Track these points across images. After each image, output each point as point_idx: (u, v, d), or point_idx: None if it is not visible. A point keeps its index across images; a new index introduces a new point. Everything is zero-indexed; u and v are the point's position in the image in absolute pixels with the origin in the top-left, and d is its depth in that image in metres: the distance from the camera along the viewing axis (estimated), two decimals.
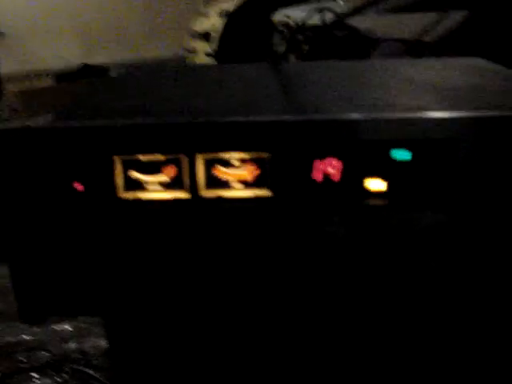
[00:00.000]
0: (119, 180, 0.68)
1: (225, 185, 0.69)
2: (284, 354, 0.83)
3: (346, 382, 0.85)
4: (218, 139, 0.67)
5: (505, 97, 0.76)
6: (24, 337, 1.85)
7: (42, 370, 1.74)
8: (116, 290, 0.71)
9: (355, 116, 0.66)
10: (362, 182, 0.68)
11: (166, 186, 0.69)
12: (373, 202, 0.68)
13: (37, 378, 1.71)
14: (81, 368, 1.75)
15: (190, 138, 0.67)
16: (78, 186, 0.67)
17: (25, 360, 1.78)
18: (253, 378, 0.86)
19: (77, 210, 0.68)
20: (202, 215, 0.69)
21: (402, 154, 0.67)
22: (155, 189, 0.69)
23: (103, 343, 1.80)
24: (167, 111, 0.74)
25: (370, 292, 0.71)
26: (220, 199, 0.69)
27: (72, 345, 1.81)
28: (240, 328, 0.81)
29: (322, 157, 0.67)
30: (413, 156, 0.67)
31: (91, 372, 1.74)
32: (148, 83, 0.96)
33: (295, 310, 0.73)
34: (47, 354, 1.78)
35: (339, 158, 0.67)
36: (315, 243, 0.68)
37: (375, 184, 0.68)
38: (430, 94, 0.78)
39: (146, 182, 0.69)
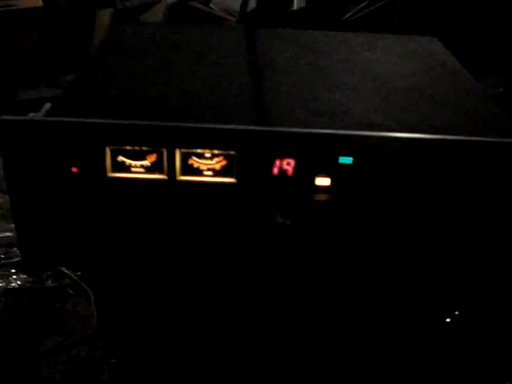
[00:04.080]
0: (108, 163, 0.81)
1: (197, 171, 0.83)
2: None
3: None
4: (194, 140, 0.80)
5: (442, 111, 0.90)
6: (3, 234, 1.97)
7: (19, 266, 1.88)
8: (103, 249, 0.87)
9: (309, 130, 0.80)
10: (311, 179, 0.83)
11: (148, 169, 0.83)
12: (319, 196, 0.83)
13: (14, 273, 1.86)
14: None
15: (171, 137, 0.80)
16: (74, 169, 0.80)
17: (2, 256, 1.92)
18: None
19: (73, 187, 0.81)
20: (177, 194, 0.83)
21: (344, 159, 0.81)
22: (139, 171, 0.82)
23: None
24: (151, 111, 0.86)
25: (312, 276, 0.88)
26: (192, 182, 0.83)
27: None
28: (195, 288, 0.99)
29: (280, 156, 0.81)
30: (354, 161, 0.81)
31: (63, 269, 1.90)
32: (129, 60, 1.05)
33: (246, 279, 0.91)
34: None
35: (294, 158, 0.82)
36: (267, 227, 0.84)
37: (322, 181, 0.83)
38: (378, 101, 0.93)
39: (131, 166, 0.82)
